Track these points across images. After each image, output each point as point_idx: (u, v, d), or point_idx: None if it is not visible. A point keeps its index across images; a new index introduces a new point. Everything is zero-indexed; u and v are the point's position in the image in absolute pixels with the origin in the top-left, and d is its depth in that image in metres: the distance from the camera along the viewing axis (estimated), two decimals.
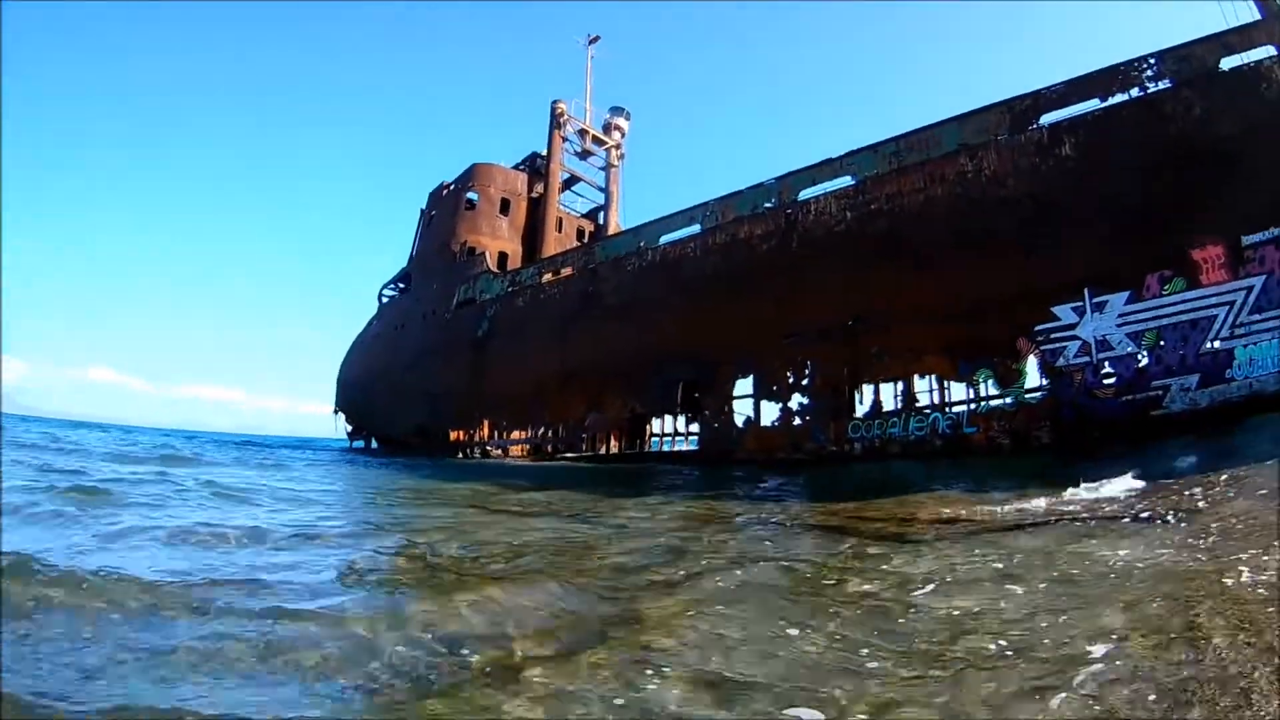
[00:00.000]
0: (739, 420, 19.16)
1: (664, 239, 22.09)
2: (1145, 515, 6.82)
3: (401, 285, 40.39)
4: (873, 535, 7.38)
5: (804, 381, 17.71)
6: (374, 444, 41.80)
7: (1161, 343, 12.47)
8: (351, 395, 42.96)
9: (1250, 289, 11.88)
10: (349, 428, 44.44)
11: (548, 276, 26.83)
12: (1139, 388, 12.65)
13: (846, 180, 17.81)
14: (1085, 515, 7.36)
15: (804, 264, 17.87)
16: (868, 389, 16.79)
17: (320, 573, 5.41)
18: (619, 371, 22.21)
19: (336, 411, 45.28)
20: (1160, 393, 12.40)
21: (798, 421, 17.75)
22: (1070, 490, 8.98)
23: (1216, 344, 11.96)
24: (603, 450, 24.38)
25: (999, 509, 8.48)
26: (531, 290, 27.09)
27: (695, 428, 22.52)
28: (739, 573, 5.50)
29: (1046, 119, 14.99)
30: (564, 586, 4.90)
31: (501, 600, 4.44)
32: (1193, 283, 12.36)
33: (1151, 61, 13.82)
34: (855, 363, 16.69)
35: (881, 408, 16.43)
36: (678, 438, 24.71)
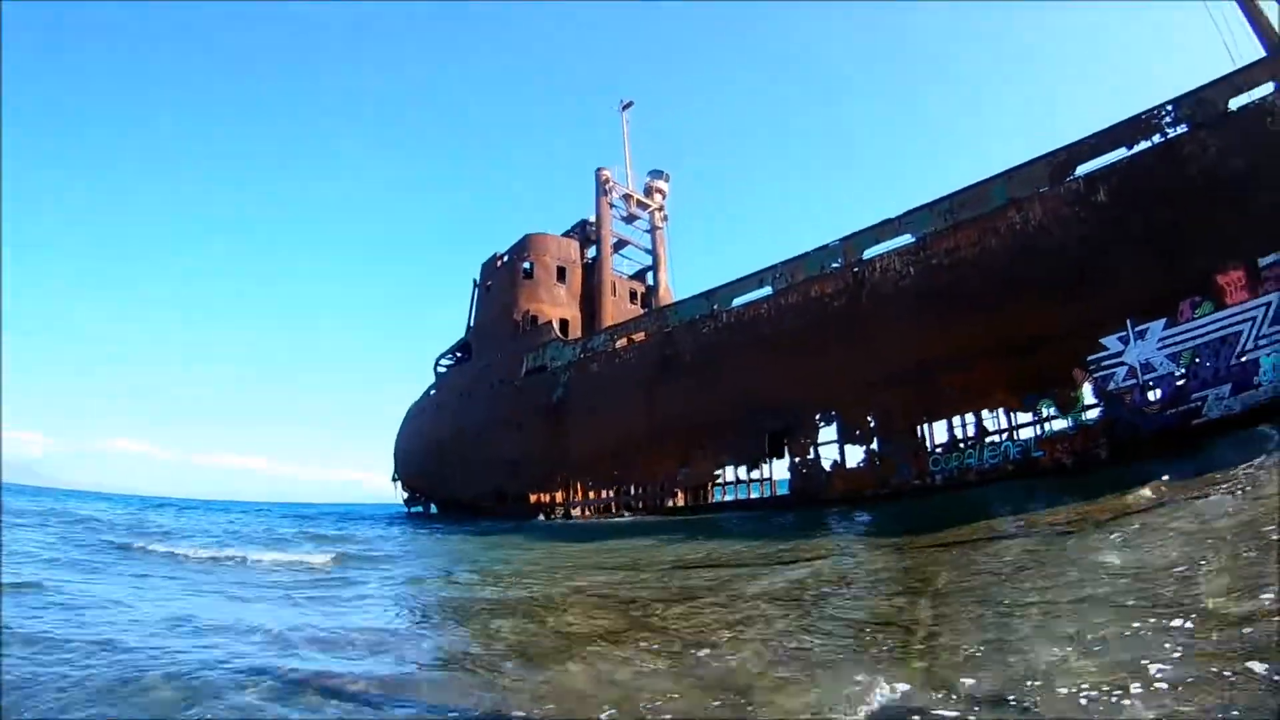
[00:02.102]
0: (826, 464, 22.21)
1: (736, 301, 25.42)
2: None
3: (459, 355, 44.05)
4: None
5: (884, 423, 20.77)
6: (433, 509, 45.73)
7: (1197, 360, 15.50)
8: (412, 462, 46.59)
9: (1269, 304, 14.83)
10: (405, 494, 48.55)
11: (621, 342, 30.21)
12: (1181, 401, 15.67)
13: (907, 238, 21.06)
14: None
15: (875, 317, 21.00)
16: (942, 425, 19.85)
17: None
18: (705, 427, 25.31)
19: (395, 479, 49.16)
20: (1199, 403, 15.40)
21: (880, 461, 20.81)
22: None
23: (1243, 358, 14.97)
24: (672, 504, 27.69)
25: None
26: (606, 355, 30.44)
27: (755, 475, 25.65)
28: None
29: (1082, 169, 18.16)
30: None
31: None
32: (1219, 304, 15.34)
33: (1169, 108, 16.94)
34: (930, 402, 19.81)
35: (957, 441, 19.51)
36: (739, 485, 27.28)
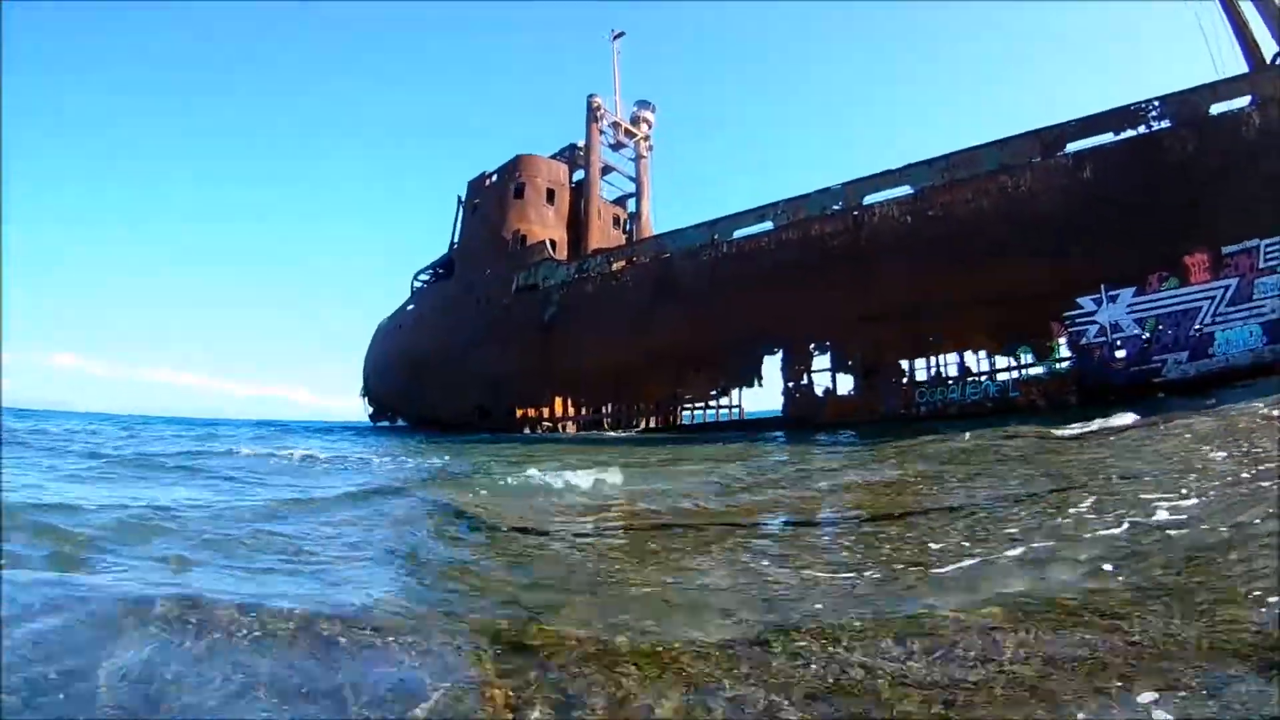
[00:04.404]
0: (819, 390, 25.16)
1: (737, 233, 27.97)
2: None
3: (440, 271, 46.14)
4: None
5: (875, 356, 23.67)
6: (399, 423, 48.33)
7: (1160, 327, 18.65)
8: (384, 378, 48.98)
9: (1227, 287, 18.03)
10: (370, 409, 51.65)
11: (617, 265, 32.73)
12: (1144, 360, 18.85)
13: (905, 189, 23.70)
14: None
15: (871, 259, 23.65)
16: (931, 361, 22.88)
17: None
18: (704, 351, 28.00)
19: (364, 394, 51.81)
20: (1160, 365, 18.60)
21: (869, 390, 23.82)
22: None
23: (1201, 330, 18.14)
24: (670, 421, 30.84)
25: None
26: (602, 277, 32.90)
27: (725, 401, 29.20)
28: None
29: (1071, 147, 20.98)
30: None
31: None
32: (1184, 281, 18.48)
33: (1156, 104, 19.80)
34: (918, 341, 22.79)
35: (942, 376, 22.57)
36: (708, 411, 30.70)
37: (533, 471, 11.74)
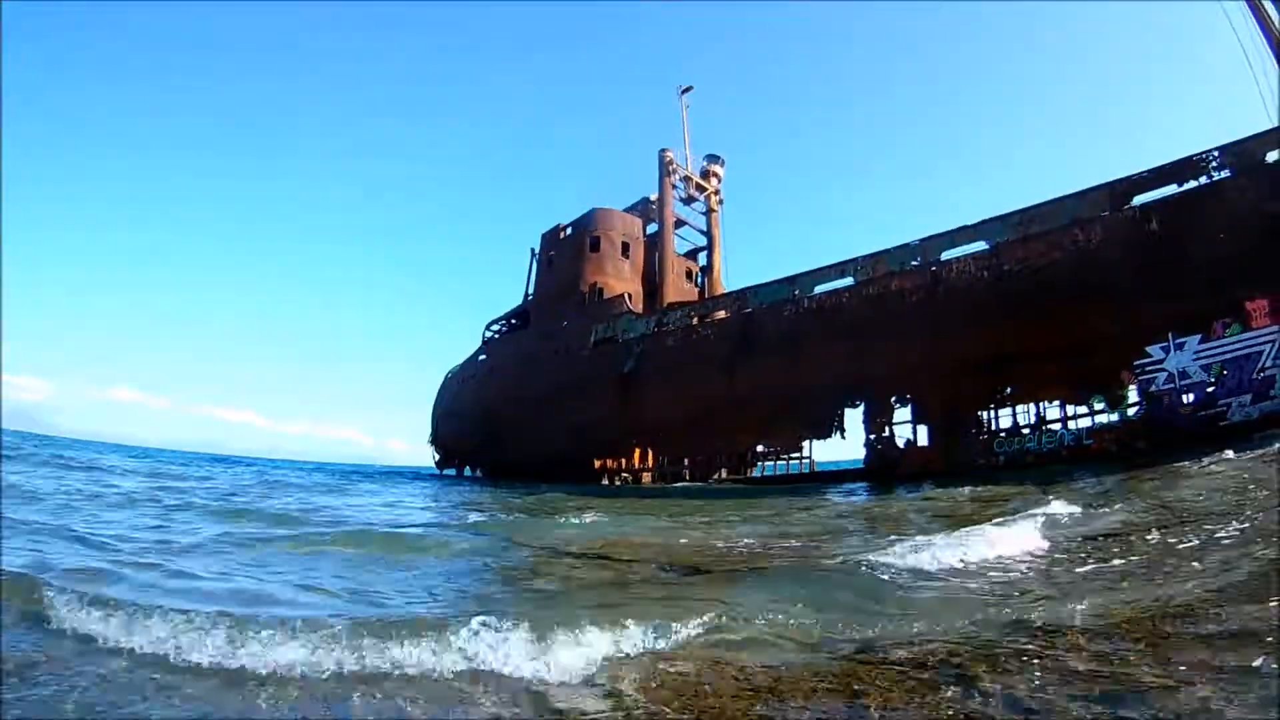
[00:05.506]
0: (900, 442, 27.28)
1: (818, 288, 30.33)
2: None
3: (514, 321, 49.27)
4: None
5: (955, 408, 25.69)
6: (466, 471, 51.24)
7: (1224, 372, 20.54)
8: (455, 426, 51.82)
9: None
10: (437, 456, 54.56)
11: (697, 318, 35.23)
12: (1209, 405, 20.74)
13: (981, 245, 25.84)
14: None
15: (950, 313, 25.68)
16: (1006, 412, 24.89)
17: None
18: (786, 404, 30.12)
19: (432, 442, 54.92)
20: (1225, 408, 20.48)
21: (949, 441, 25.79)
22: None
23: (1262, 373, 20.03)
24: (749, 473, 33.47)
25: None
26: (682, 331, 35.34)
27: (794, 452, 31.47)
28: None
29: (1138, 199, 22.92)
30: None
31: None
32: (1246, 327, 20.25)
33: (1216, 154, 21.66)
34: (997, 392, 24.82)
35: (1019, 427, 24.60)
36: (779, 463, 32.72)
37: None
